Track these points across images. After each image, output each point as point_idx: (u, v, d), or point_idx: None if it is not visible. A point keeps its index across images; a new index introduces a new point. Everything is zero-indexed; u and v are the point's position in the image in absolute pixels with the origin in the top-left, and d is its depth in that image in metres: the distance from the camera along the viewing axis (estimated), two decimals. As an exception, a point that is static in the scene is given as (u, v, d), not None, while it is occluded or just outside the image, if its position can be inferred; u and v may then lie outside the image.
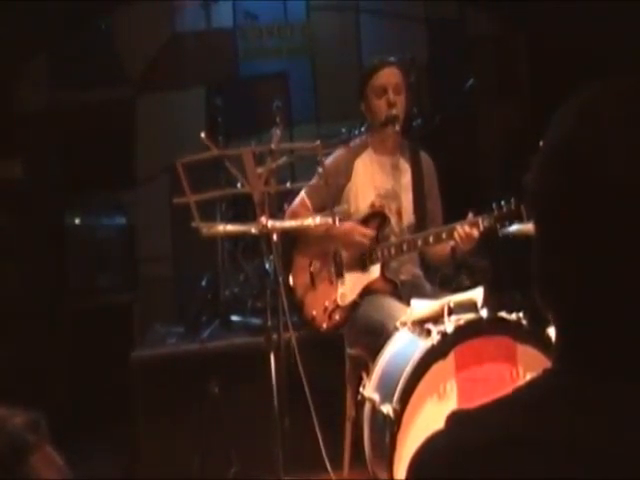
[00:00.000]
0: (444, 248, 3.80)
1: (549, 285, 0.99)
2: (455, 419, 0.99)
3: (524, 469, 0.89)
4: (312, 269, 3.97)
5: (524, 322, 3.14)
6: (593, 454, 0.88)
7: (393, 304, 3.73)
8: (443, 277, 4.57)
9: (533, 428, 0.91)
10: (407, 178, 3.98)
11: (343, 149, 3.99)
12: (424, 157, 4.04)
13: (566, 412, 0.92)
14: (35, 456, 0.89)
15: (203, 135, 3.29)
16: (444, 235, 3.68)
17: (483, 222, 3.59)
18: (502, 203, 3.56)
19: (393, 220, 3.95)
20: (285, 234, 3.82)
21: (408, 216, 3.96)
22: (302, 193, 3.96)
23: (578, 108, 0.97)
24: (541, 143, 1.00)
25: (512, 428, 0.92)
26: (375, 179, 3.95)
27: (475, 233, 3.59)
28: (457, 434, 0.96)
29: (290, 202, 4.09)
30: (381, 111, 3.82)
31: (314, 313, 3.91)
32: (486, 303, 3.23)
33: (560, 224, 0.95)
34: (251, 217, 4.17)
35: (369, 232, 3.85)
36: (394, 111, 3.79)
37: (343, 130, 4.54)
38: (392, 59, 3.89)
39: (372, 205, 3.93)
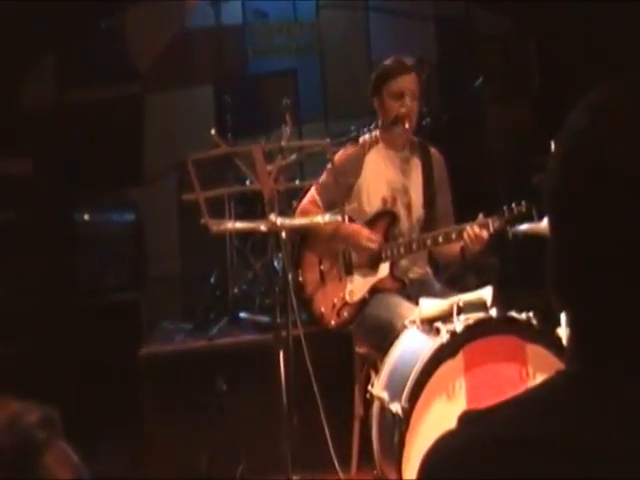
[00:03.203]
0: (454, 248, 3.79)
1: (565, 285, 0.98)
2: (467, 419, 0.98)
3: (536, 470, 0.89)
4: (322, 266, 3.97)
5: (534, 322, 3.13)
6: (607, 457, 0.88)
7: (401, 303, 3.73)
8: (451, 276, 4.56)
9: (546, 429, 0.91)
10: (417, 174, 3.99)
11: (353, 146, 3.99)
12: (434, 153, 4.05)
13: (580, 414, 0.91)
14: (49, 453, 0.88)
15: (213, 132, 3.29)
16: (454, 235, 3.69)
17: (493, 224, 3.59)
18: (513, 205, 3.56)
19: (403, 214, 3.95)
20: (295, 231, 3.82)
21: (417, 211, 3.97)
22: (312, 190, 3.96)
23: (591, 107, 0.97)
24: (552, 143, 1.00)
25: (524, 429, 0.92)
26: (386, 174, 3.96)
27: (485, 234, 3.59)
28: (469, 434, 0.96)
29: (299, 200, 4.10)
30: (393, 111, 3.83)
31: (322, 310, 3.91)
32: (495, 302, 3.23)
33: (576, 223, 0.95)
34: (259, 214, 4.19)
35: (376, 237, 3.85)
36: (403, 109, 3.80)
37: (352, 128, 4.54)
38: (411, 64, 3.89)
39: (384, 200, 3.93)
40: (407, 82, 3.83)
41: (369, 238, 3.84)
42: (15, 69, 5.88)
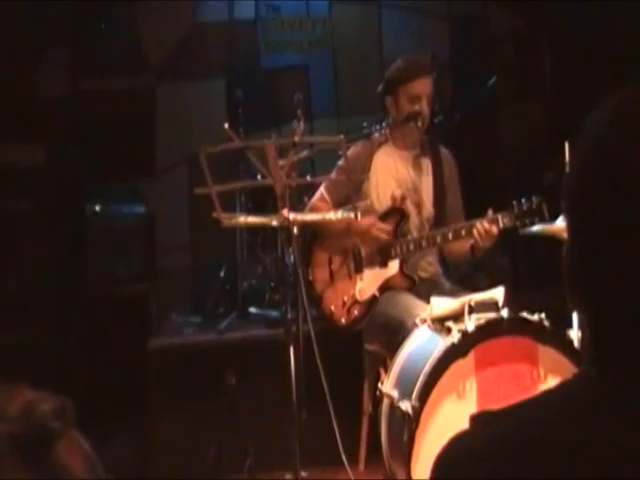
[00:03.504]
0: (464, 245, 3.79)
1: (581, 286, 0.98)
2: (482, 419, 0.99)
3: (551, 471, 0.89)
4: (331, 264, 3.97)
5: (546, 323, 3.12)
6: (624, 458, 0.88)
7: (411, 301, 3.72)
8: (462, 275, 4.56)
9: (562, 431, 0.91)
10: (427, 173, 3.99)
11: (363, 143, 3.99)
12: (444, 152, 4.05)
13: (596, 415, 0.91)
14: (62, 443, 0.88)
15: (227, 126, 3.29)
16: (463, 232, 3.68)
17: (503, 219, 3.59)
18: (522, 201, 3.55)
19: (413, 213, 3.95)
20: (305, 228, 3.82)
21: (427, 209, 3.97)
22: (321, 188, 3.96)
23: (613, 109, 0.97)
24: (565, 143, 1.00)
25: (540, 430, 0.92)
26: (396, 172, 3.96)
27: (494, 230, 3.59)
28: (484, 435, 0.96)
29: (310, 196, 4.09)
30: (407, 111, 3.82)
31: (332, 308, 3.91)
32: (507, 303, 3.22)
33: (593, 225, 0.95)
34: (270, 209, 4.18)
35: (387, 227, 3.84)
36: (416, 107, 3.79)
37: (364, 125, 4.53)
38: (428, 65, 3.88)
39: (393, 197, 3.93)
40: (425, 85, 3.83)
41: (380, 229, 3.84)
42: (29, 57, 5.89)
